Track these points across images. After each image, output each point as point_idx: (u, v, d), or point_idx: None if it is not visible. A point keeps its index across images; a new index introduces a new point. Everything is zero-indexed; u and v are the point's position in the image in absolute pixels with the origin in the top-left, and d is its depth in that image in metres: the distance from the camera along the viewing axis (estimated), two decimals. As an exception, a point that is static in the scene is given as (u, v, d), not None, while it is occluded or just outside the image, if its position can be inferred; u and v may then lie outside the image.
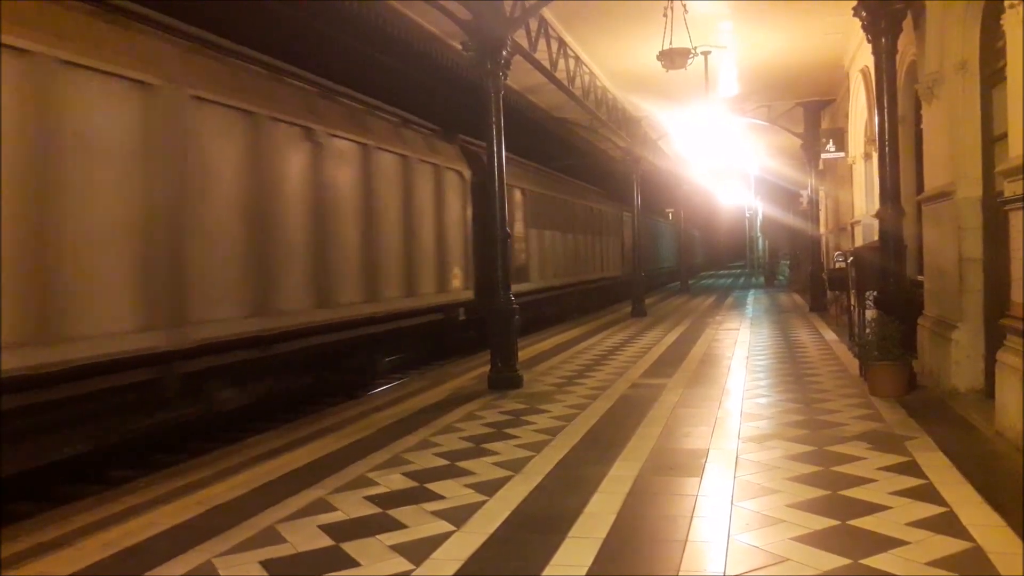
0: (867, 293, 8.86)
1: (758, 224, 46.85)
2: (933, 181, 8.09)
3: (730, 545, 3.85)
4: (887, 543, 3.77)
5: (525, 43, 11.18)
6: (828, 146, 16.19)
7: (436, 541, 4.05)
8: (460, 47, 9.54)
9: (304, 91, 9.83)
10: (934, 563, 3.53)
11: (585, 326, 16.55)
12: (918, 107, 8.80)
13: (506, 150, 9.13)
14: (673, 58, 10.77)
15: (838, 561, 3.59)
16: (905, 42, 8.55)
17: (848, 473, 4.97)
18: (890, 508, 4.27)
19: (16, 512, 6.21)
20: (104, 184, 6.51)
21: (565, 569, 3.63)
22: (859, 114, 13.79)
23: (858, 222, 13.91)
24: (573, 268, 21.61)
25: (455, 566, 3.72)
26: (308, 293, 9.14)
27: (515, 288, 13.36)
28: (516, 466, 5.46)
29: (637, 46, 13.05)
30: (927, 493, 4.50)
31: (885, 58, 8.27)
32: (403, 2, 10.70)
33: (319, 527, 4.34)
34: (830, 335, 12.93)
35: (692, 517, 4.30)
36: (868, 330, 7.95)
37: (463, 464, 5.58)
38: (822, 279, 17.33)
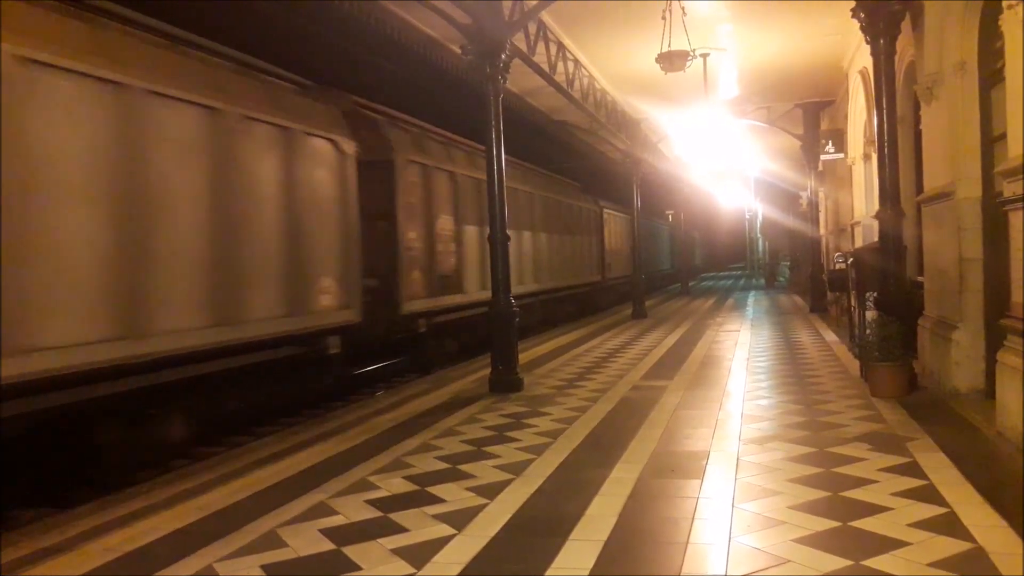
0: (867, 294, 8.86)
1: (758, 226, 46.90)
2: (933, 182, 8.10)
3: (731, 547, 3.85)
4: (888, 544, 3.77)
5: (524, 46, 11.19)
6: (827, 147, 16.19)
7: (437, 545, 4.05)
8: (459, 51, 9.56)
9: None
10: (935, 564, 3.53)
11: (585, 328, 16.55)
12: (917, 108, 8.80)
13: (451, 130, 9.60)
14: (672, 60, 10.78)
15: (839, 562, 3.59)
16: (904, 43, 8.55)
17: (849, 474, 4.97)
18: (891, 509, 4.27)
19: (18, 517, 6.22)
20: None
21: (566, 572, 3.63)
22: (858, 115, 13.79)
23: (858, 223, 13.90)
24: (533, 274, 18.23)
25: (456, 569, 3.72)
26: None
27: (442, 303, 12.64)
28: (517, 469, 5.45)
29: (636, 49, 13.06)
30: (928, 494, 4.50)
31: (884, 59, 8.27)
32: (402, 2, 10.71)
33: (320, 531, 4.34)
34: (830, 336, 12.93)
35: (693, 519, 4.29)
36: (868, 331, 7.94)
37: (464, 467, 5.58)
38: (822, 280, 17.33)
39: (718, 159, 21.99)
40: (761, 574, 3.53)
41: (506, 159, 9.39)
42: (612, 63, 14.47)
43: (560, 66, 13.00)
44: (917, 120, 9.08)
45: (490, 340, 9.21)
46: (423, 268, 12.25)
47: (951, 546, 3.72)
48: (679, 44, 10.73)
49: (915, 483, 4.72)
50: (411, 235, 11.90)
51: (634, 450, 5.85)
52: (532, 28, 11.42)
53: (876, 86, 8.49)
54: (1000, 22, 5.68)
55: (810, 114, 19.06)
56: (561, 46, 12.84)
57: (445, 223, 13.27)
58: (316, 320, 9.17)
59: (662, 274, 40.36)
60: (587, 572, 3.61)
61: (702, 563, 3.70)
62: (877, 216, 8.58)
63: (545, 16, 11.46)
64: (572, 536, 4.08)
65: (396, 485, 5.21)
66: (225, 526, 4.48)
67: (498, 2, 9.19)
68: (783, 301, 23.49)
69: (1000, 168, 6.03)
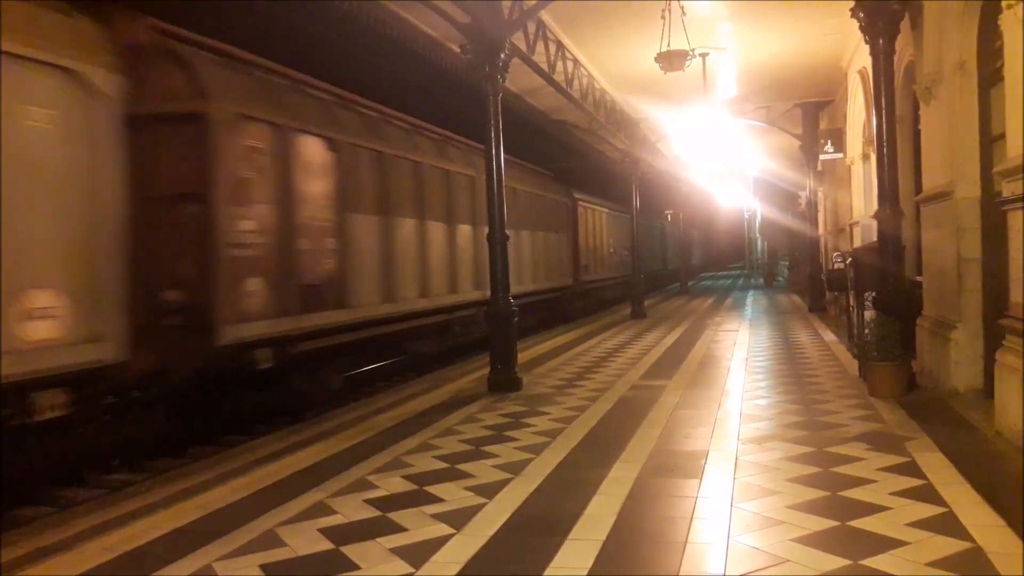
0: (866, 294, 8.86)
1: (757, 225, 46.93)
2: (931, 181, 8.10)
3: (730, 546, 3.85)
4: (887, 544, 3.77)
5: (523, 46, 11.19)
6: (826, 147, 16.20)
7: (436, 544, 4.05)
8: (458, 50, 9.55)
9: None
10: (934, 563, 3.53)
11: (584, 328, 16.55)
12: (916, 108, 8.80)
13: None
14: (671, 60, 10.78)
15: (838, 562, 3.59)
16: (903, 43, 8.55)
17: (848, 474, 4.97)
18: (890, 509, 4.27)
19: (16, 516, 6.22)
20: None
21: (565, 571, 3.63)
22: (857, 115, 13.80)
23: (857, 223, 13.91)
24: (475, 279, 14.19)
25: (455, 569, 3.72)
26: None
27: (309, 323, 9.00)
28: (516, 468, 5.46)
29: (635, 48, 13.06)
30: (927, 493, 4.50)
31: (883, 59, 8.28)
32: (402, 1, 10.71)
33: (319, 530, 4.34)
34: (829, 336, 12.93)
35: (692, 519, 4.30)
36: (867, 331, 7.94)
37: (463, 467, 5.58)
38: (821, 280, 17.34)
39: (717, 159, 22.01)
40: (760, 573, 3.53)
41: (441, 133, 9.42)
42: (611, 62, 14.47)
43: (559, 65, 13.00)
44: (916, 120, 9.09)
45: (489, 339, 9.20)
46: (271, 274, 8.48)
47: (950, 546, 3.72)
48: (678, 43, 10.74)
49: (914, 483, 4.72)
50: (243, 225, 8.10)
51: (633, 449, 5.85)
52: (531, 27, 11.42)
53: (875, 86, 8.49)
54: (999, 22, 5.69)
55: (809, 114, 19.07)
56: (560, 45, 12.83)
57: (317, 210, 9.38)
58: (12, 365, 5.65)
59: (655, 274, 39.96)
60: (586, 572, 3.61)
61: (701, 562, 3.71)
62: (876, 216, 8.59)
63: (544, 15, 11.46)
64: (571, 535, 4.08)
65: (395, 484, 5.21)
66: (224, 525, 4.48)
67: (497, 1, 9.19)
68: (782, 301, 23.50)
69: (999, 168, 6.03)
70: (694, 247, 51.76)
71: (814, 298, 18.36)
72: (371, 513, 4.62)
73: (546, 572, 3.63)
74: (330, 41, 16.91)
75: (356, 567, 3.80)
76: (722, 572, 3.56)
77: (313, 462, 5.93)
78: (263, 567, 3.84)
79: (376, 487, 5.16)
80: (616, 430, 6.57)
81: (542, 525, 4.31)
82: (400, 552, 3.96)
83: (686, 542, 3.94)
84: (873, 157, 9.36)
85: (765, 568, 3.58)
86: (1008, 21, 5.46)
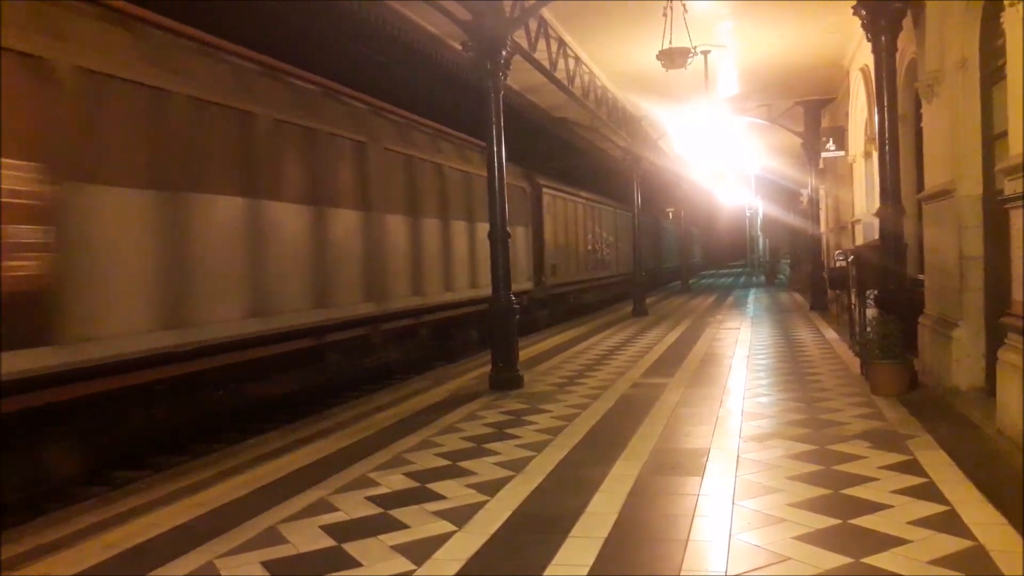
0: (868, 292, 8.85)
1: (758, 223, 46.90)
2: (933, 179, 8.09)
3: (731, 544, 3.85)
4: (889, 542, 3.77)
5: (525, 43, 11.18)
6: (828, 145, 16.19)
7: (437, 541, 4.05)
8: (460, 47, 9.54)
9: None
10: (936, 562, 3.53)
11: (586, 326, 16.54)
12: (918, 105, 8.79)
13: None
14: (673, 57, 10.77)
15: (840, 560, 3.59)
16: (905, 40, 8.54)
17: (850, 472, 4.97)
18: (892, 507, 4.27)
19: (18, 513, 6.21)
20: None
21: (566, 569, 3.63)
22: (859, 113, 13.79)
23: (858, 221, 13.90)
24: (405, 284, 11.74)
25: (456, 566, 3.72)
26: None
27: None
28: (517, 466, 5.45)
29: (637, 46, 13.04)
30: (929, 492, 4.50)
31: (885, 57, 8.26)
32: (403, 2, 10.71)
33: (321, 527, 4.34)
34: (831, 334, 12.93)
35: (693, 516, 4.29)
36: (869, 329, 7.94)
37: (464, 464, 5.58)
38: (822, 278, 17.34)
39: (719, 157, 21.98)
40: (761, 571, 3.53)
41: (347, 94, 9.02)
42: (613, 60, 14.45)
43: (561, 63, 12.98)
44: (918, 118, 9.07)
45: (489, 337, 9.20)
46: None
47: (951, 544, 3.72)
48: (680, 41, 10.73)
49: (915, 481, 4.71)
50: None
51: (634, 447, 5.85)
52: (533, 25, 11.40)
53: (877, 84, 8.48)
54: (1001, 19, 5.68)
55: (811, 112, 19.06)
56: (562, 43, 12.82)
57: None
58: None
59: (664, 271, 39.30)
60: (587, 569, 3.61)
61: (702, 560, 3.70)
62: (878, 214, 8.58)
63: (546, 13, 11.44)
64: (572, 533, 4.08)
65: (396, 482, 5.21)
66: (225, 522, 4.48)
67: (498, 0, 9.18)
68: (783, 299, 23.49)
69: (1001, 166, 6.02)
70: (696, 245, 51.72)
71: (816, 296, 18.35)
72: (372, 510, 4.62)
73: (547, 570, 3.63)
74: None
75: (357, 564, 3.80)
76: (724, 570, 3.56)
77: (314, 459, 5.94)
78: (264, 564, 3.85)
79: (377, 484, 5.16)
80: (617, 428, 6.56)
81: (543, 523, 4.31)
82: (401, 549, 3.96)
83: (687, 540, 3.94)
84: (875, 155, 9.34)
85: (766, 566, 3.57)
86: (1010, 19, 5.45)
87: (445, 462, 5.68)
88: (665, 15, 10.50)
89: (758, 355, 10.78)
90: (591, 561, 3.70)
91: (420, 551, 3.92)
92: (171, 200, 7.32)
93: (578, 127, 19.54)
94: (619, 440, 6.08)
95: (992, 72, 6.76)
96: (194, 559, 3.93)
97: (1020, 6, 5.23)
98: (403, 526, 4.32)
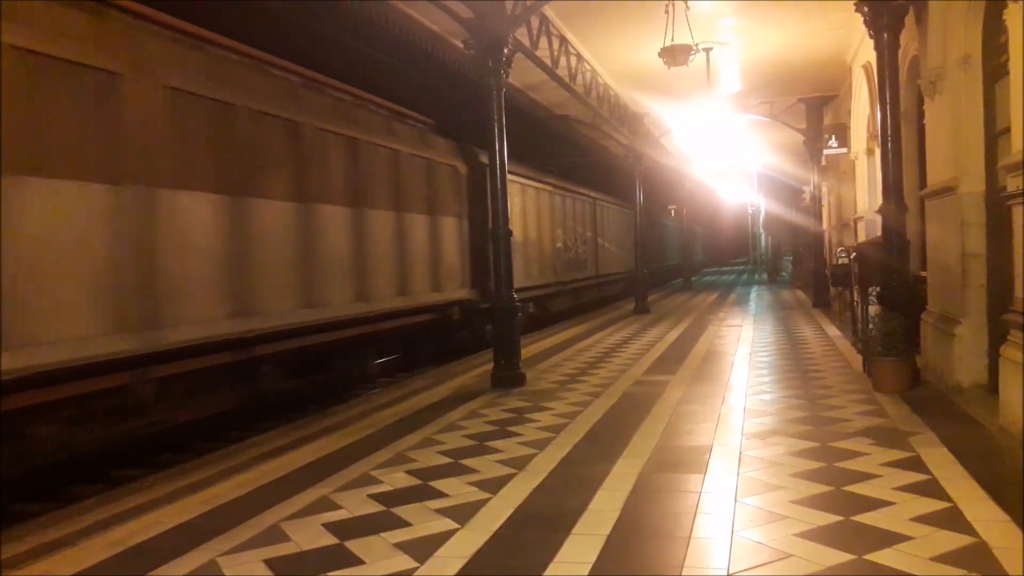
0: (870, 289, 8.85)
1: (761, 220, 46.83)
2: (936, 176, 8.08)
3: (734, 541, 3.85)
4: (891, 539, 3.77)
5: (526, 41, 11.18)
6: (830, 142, 16.16)
7: (440, 539, 4.06)
8: (462, 45, 9.54)
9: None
10: (938, 558, 3.53)
11: (588, 323, 16.54)
12: (921, 102, 8.78)
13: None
14: (675, 55, 10.77)
15: (842, 557, 3.59)
16: (907, 37, 8.53)
17: (852, 469, 4.96)
18: (894, 504, 4.27)
19: (20, 512, 6.23)
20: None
21: (569, 566, 3.63)
22: (861, 110, 13.76)
23: (861, 218, 13.88)
24: (277, 291, 8.92)
25: (459, 564, 3.73)
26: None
27: None
28: (519, 464, 5.46)
29: (639, 43, 13.02)
30: (931, 489, 4.50)
31: (887, 53, 8.25)
32: (405, 1, 10.71)
33: (323, 525, 4.35)
34: (833, 331, 12.91)
35: (695, 514, 4.29)
36: (871, 326, 7.93)
37: (466, 462, 5.58)
38: (825, 275, 17.33)
39: (721, 154, 21.95)
40: (763, 568, 3.53)
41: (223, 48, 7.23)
42: (615, 58, 14.44)
43: (563, 61, 12.98)
44: (920, 115, 9.06)
45: (492, 335, 9.20)
46: None
47: (953, 541, 3.72)
48: (681, 38, 10.72)
49: (918, 478, 4.71)
50: None
51: (636, 445, 5.85)
52: (535, 23, 11.41)
53: (879, 81, 8.46)
54: (1004, 16, 5.67)
55: (813, 109, 19.02)
56: (564, 40, 12.81)
57: None
58: None
59: (666, 268, 38.65)
60: (589, 567, 3.61)
61: (704, 558, 3.70)
62: (880, 211, 8.57)
63: (547, 10, 11.44)
64: (575, 531, 4.08)
65: (398, 479, 5.22)
66: (228, 521, 4.48)
67: (500, -2, 9.18)
68: (786, 296, 23.47)
69: (1004, 163, 6.02)
70: (698, 242, 51.66)
71: (818, 293, 18.33)
72: (375, 508, 4.63)
73: (550, 567, 3.63)
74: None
75: (360, 562, 3.81)
76: (726, 567, 3.56)
77: (316, 458, 5.94)
78: (267, 562, 3.85)
79: (380, 482, 5.17)
80: (620, 425, 6.56)
81: (546, 520, 4.31)
82: (404, 547, 3.96)
83: (690, 537, 3.94)
84: (877, 152, 9.33)
85: (769, 563, 3.57)
86: (1013, 16, 5.44)
87: (447, 460, 5.68)
88: (667, 12, 10.49)
89: (760, 352, 10.78)
90: (593, 559, 3.70)
91: (422, 549, 3.93)
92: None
93: (580, 125, 19.52)
94: (621, 438, 6.08)
95: (995, 69, 6.75)
96: (196, 557, 3.94)
97: (1022, 3, 5.22)
98: (405, 524, 4.32)
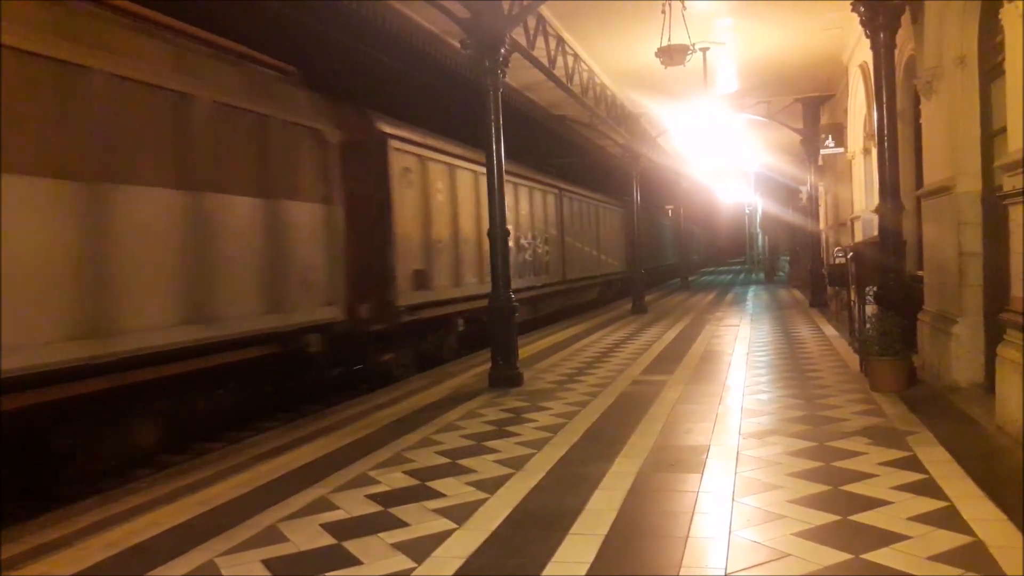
0: (867, 288, 8.85)
1: (758, 220, 46.88)
2: (932, 176, 8.09)
3: (731, 541, 3.86)
4: (888, 538, 3.78)
5: (523, 41, 11.18)
6: (827, 142, 16.19)
7: (438, 539, 4.06)
8: (459, 45, 9.54)
9: None
10: (935, 558, 3.53)
11: (586, 323, 16.55)
12: (917, 102, 8.79)
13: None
14: (671, 55, 10.78)
15: (839, 556, 3.59)
16: (904, 37, 8.54)
17: (849, 468, 4.97)
18: (891, 503, 4.27)
19: (19, 512, 6.22)
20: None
21: (567, 566, 3.63)
22: (858, 110, 13.78)
23: (858, 218, 13.90)
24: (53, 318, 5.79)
25: (457, 564, 3.73)
26: None
27: None
28: (517, 464, 5.46)
29: (635, 43, 13.03)
30: (928, 488, 4.51)
31: (884, 53, 8.26)
32: (403, 1, 10.70)
33: (321, 526, 4.35)
34: (830, 331, 12.93)
35: (693, 513, 4.30)
36: (868, 325, 7.94)
37: (464, 462, 5.59)
38: (822, 275, 17.34)
39: (718, 154, 21.95)
40: (761, 568, 3.53)
41: None
42: (612, 57, 14.45)
43: (560, 60, 12.99)
44: (917, 114, 9.08)
45: (490, 334, 9.20)
46: None
47: (951, 540, 3.72)
48: (678, 38, 10.73)
49: (915, 477, 4.72)
50: None
51: (634, 444, 5.86)
52: (531, 22, 11.41)
53: (876, 80, 8.48)
54: (1000, 16, 5.68)
55: (810, 109, 19.06)
56: (561, 40, 12.82)
57: None
58: None
59: (663, 268, 38.31)
60: (587, 567, 3.62)
61: (702, 557, 3.71)
62: (877, 210, 8.58)
63: (544, 10, 11.44)
64: (572, 530, 4.09)
65: (396, 480, 5.22)
66: (226, 521, 4.48)
67: (497, -2, 9.18)
68: (783, 296, 23.50)
69: (1000, 162, 6.03)
70: (695, 242, 51.66)
71: (815, 293, 18.35)
72: (373, 508, 4.63)
73: (548, 567, 3.64)
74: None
75: (358, 562, 3.81)
76: (724, 567, 3.56)
77: (314, 458, 5.94)
78: (265, 562, 3.85)
79: (377, 482, 5.17)
80: (617, 425, 6.57)
81: (544, 520, 4.31)
82: (402, 547, 3.97)
83: (687, 537, 3.95)
84: (874, 152, 9.35)
85: (766, 562, 3.58)
86: (1009, 15, 5.45)
87: (445, 460, 5.68)
88: (664, 12, 10.50)
89: (757, 352, 10.79)
90: (591, 558, 3.70)
91: (420, 549, 3.93)
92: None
93: (577, 124, 19.53)
94: (619, 437, 6.09)
95: (991, 69, 6.76)
96: (195, 558, 3.93)
97: (1019, 3, 5.23)
98: (403, 524, 4.32)
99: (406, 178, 11.26)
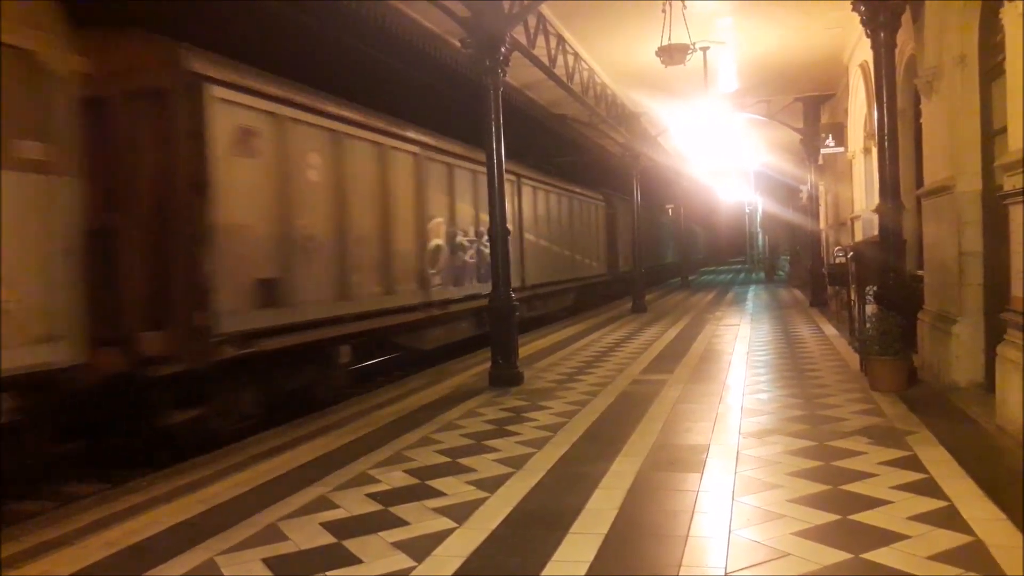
0: (867, 288, 8.85)
1: (758, 219, 46.87)
2: (933, 175, 8.09)
3: (731, 540, 3.86)
4: (888, 537, 3.78)
5: (524, 39, 11.18)
6: (828, 141, 16.18)
7: (438, 538, 4.06)
8: (459, 44, 9.54)
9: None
10: (935, 557, 3.53)
11: (586, 323, 16.55)
12: (917, 102, 8.79)
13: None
14: (672, 54, 10.77)
15: (839, 556, 3.59)
16: (904, 37, 8.54)
17: (849, 468, 4.97)
18: (891, 502, 4.27)
19: (18, 511, 6.22)
20: None
21: (566, 566, 3.63)
22: (858, 109, 13.78)
23: (858, 217, 13.90)
24: None
25: (456, 563, 3.73)
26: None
27: None
28: (517, 463, 5.46)
29: (636, 42, 13.03)
30: (928, 487, 4.50)
31: (884, 53, 8.25)
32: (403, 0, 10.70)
33: (321, 524, 4.35)
34: (830, 330, 12.93)
35: (693, 513, 4.30)
36: (868, 325, 7.94)
37: (464, 461, 5.59)
38: (822, 274, 17.33)
39: (718, 153, 21.94)
40: (761, 567, 3.53)
41: None
42: (612, 57, 14.44)
43: (560, 59, 12.98)
44: (917, 114, 9.07)
45: (491, 333, 9.21)
46: None
47: (950, 539, 3.72)
48: (679, 37, 10.73)
49: (915, 476, 4.72)
50: None
51: (634, 444, 5.86)
52: (532, 21, 11.40)
53: (876, 80, 8.47)
54: (1000, 15, 5.67)
55: (810, 108, 19.05)
56: (561, 39, 12.81)
57: None
58: None
59: (664, 267, 38.18)
60: (587, 566, 3.62)
61: (702, 556, 3.71)
62: (877, 210, 8.57)
63: (545, 9, 11.43)
64: (572, 529, 4.09)
65: (396, 479, 5.22)
66: (226, 520, 4.48)
67: (497, -3, 9.18)
68: (783, 295, 23.50)
69: (1000, 162, 6.02)
70: (695, 241, 51.64)
71: (815, 292, 18.34)
72: (373, 507, 4.63)
73: (548, 567, 3.64)
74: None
75: (358, 561, 3.81)
76: (723, 566, 3.56)
77: (314, 457, 5.94)
78: (265, 561, 3.85)
79: (377, 481, 5.17)
80: (617, 424, 6.57)
81: (544, 519, 4.31)
82: (402, 546, 3.97)
83: (687, 536, 3.95)
84: (874, 151, 9.34)
85: (766, 562, 3.58)
86: (1009, 15, 5.45)
87: (445, 459, 5.68)
88: (664, 11, 10.50)
89: (757, 351, 10.79)
90: (591, 558, 3.70)
91: (420, 548, 3.93)
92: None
93: (577, 123, 19.52)
94: (619, 436, 6.09)
95: (991, 68, 6.76)
96: (194, 556, 3.94)
97: (1019, 3, 5.22)
98: (403, 523, 4.32)
99: (245, 145, 7.72)
